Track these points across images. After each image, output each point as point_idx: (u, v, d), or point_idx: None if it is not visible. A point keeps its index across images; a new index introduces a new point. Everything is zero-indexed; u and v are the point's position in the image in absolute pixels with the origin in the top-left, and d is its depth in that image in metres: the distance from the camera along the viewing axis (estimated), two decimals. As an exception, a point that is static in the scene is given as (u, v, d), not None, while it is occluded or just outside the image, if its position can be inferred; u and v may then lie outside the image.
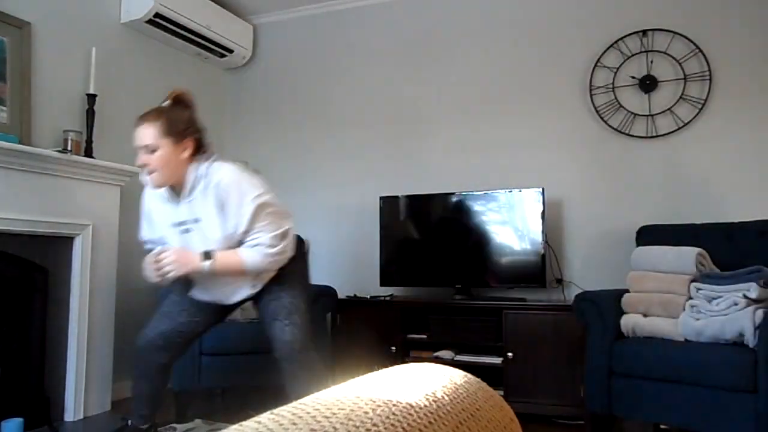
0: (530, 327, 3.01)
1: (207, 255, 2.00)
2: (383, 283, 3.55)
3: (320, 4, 4.14)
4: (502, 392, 2.96)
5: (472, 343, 3.16)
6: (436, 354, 3.19)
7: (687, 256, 2.53)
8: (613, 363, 2.45)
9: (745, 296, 2.26)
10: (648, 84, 3.32)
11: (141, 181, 2.10)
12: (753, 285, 2.26)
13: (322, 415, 0.46)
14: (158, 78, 3.79)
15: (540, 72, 3.57)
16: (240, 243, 2.04)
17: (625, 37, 3.38)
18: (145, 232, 2.24)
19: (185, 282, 2.20)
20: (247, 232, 2.01)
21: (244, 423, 0.45)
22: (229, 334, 2.84)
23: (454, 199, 3.48)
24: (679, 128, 3.25)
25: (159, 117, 2.01)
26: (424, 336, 3.26)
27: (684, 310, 2.41)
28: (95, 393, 3.03)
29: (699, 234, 2.78)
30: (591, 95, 3.43)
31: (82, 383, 2.97)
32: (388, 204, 3.61)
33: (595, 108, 3.41)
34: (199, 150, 2.07)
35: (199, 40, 3.85)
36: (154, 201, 2.17)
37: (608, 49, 3.41)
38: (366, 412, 0.47)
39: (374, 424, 0.45)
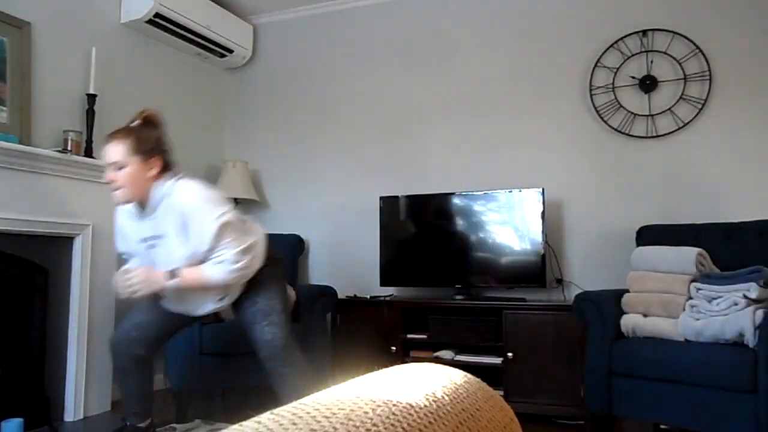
0: (530, 327, 3.01)
1: (173, 274, 2.06)
2: (383, 283, 3.55)
3: (320, 4, 4.14)
4: (502, 392, 2.96)
5: (472, 343, 3.16)
6: (436, 354, 3.19)
7: (687, 256, 2.53)
8: (613, 363, 2.45)
9: (745, 296, 2.26)
10: (648, 84, 3.32)
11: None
12: (753, 285, 2.26)
13: (322, 415, 0.46)
14: (158, 78, 3.79)
15: (540, 72, 3.57)
16: (204, 260, 2.08)
17: (625, 37, 3.39)
18: (120, 245, 2.33)
19: (154, 296, 2.26)
20: (210, 250, 2.06)
21: (244, 423, 0.45)
22: (228, 335, 2.84)
23: (454, 199, 3.48)
24: (679, 128, 3.25)
25: (128, 135, 2.07)
26: (424, 336, 3.26)
27: (684, 310, 2.41)
28: (95, 393, 3.03)
29: (699, 234, 2.78)
30: (591, 95, 3.43)
31: (82, 383, 2.97)
32: (388, 204, 3.61)
33: (595, 108, 3.41)
34: (166, 168, 2.12)
35: (199, 40, 3.85)
36: (123, 216, 2.24)
37: (608, 49, 3.41)
38: (366, 412, 0.47)
39: (374, 424, 0.45)
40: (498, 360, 3.04)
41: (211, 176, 4.10)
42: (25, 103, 2.90)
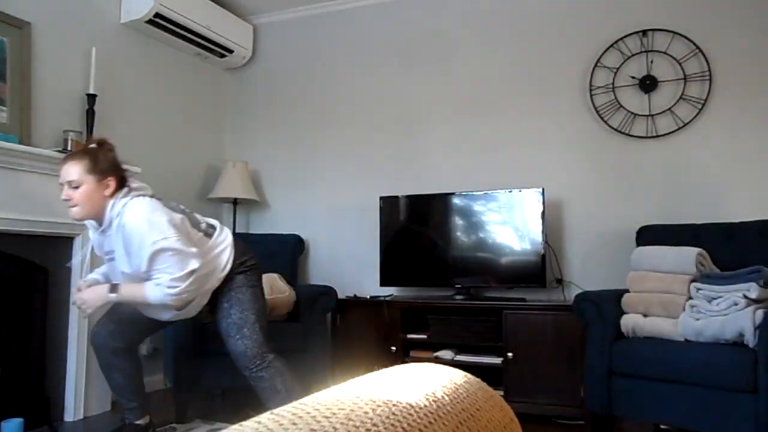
0: (530, 327, 3.01)
1: (113, 288, 2.18)
2: (383, 283, 3.55)
3: (320, 4, 4.14)
4: (502, 392, 2.96)
5: (472, 343, 3.16)
6: (436, 354, 3.19)
7: (687, 256, 2.53)
8: (613, 363, 2.45)
9: (745, 296, 2.26)
10: (648, 84, 3.32)
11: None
12: (753, 285, 2.26)
13: (322, 415, 0.46)
14: (158, 78, 3.79)
15: (540, 72, 3.57)
16: (148, 278, 2.13)
17: (625, 37, 3.39)
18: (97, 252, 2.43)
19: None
20: (148, 272, 2.10)
21: (244, 423, 0.45)
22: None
23: (454, 199, 3.48)
24: (679, 128, 3.25)
25: (84, 156, 2.15)
26: (424, 336, 3.26)
27: (684, 310, 2.41)
28: (95, 393, 3.03)
29: (699, 234, 2.78)
30: (591, 95, 3.43)
31: (82, 383, 2.97)
32: (388, 204, 3.61)
33: (595, 108, 3.41)
34: (122, 187, 2.19)
35: (199, 40, 3.85)
36: (91, 230, 2.34)
37: (608, 49, 3.41)
38: (366, 412, 0.47)
39: (374, 424, 0.45)
40: (498, 360, 3.04)
41: (211, 176, 4.10)
42: (25, 103, 2.90)
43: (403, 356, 3.25)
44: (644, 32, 3.35)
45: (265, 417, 0.46)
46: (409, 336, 3.29)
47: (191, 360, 2.83)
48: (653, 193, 3.29)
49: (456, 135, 3.73)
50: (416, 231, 3.59)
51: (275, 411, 0.47)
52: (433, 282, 3.52)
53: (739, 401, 2.10)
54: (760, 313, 2.19)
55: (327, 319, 3.24)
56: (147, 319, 2.34)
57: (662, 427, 2.68)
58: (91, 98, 3.14)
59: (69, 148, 2.96)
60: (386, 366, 0.73)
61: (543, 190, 3.26)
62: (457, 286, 3.40)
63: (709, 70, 3.21)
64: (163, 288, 2.07)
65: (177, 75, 3.95)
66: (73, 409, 2.93)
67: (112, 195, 2.15)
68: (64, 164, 2.15)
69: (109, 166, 2.17)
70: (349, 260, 3.91)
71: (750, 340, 2.18)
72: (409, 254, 3.55)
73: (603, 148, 3.41)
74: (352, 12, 4.09)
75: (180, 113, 3.96)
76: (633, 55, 3.37)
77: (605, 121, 3.39)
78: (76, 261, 2.98)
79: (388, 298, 3.42)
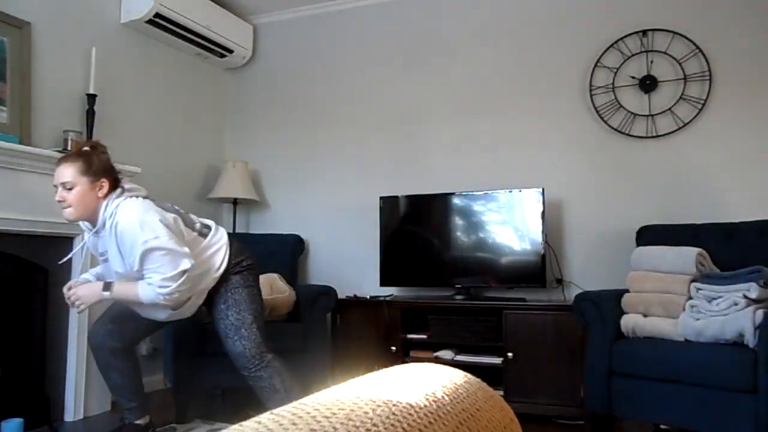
0: (530, 327, 3.01)
1: (107, 286, 2.19)
2: (383, 283, 3.55)
3: (320, 4, 4.14)
4: (502, 392, 2.96)
5: (472, 343, 3.16)
6: (436, 354, 3.19)
7: (687, 256, 2.53)
8: (613, 363, 2.45)
9: (745, 296, 2.26)
10: (648, 84, 3.32)
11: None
12: (753, 285, 2.26)
13: (322, 415, 0.46)
14: (158, 78, 3.79)
15: (540, 72, 3.57)
16: (141, 277, 2.15)
17: (625, 37, 3.39)
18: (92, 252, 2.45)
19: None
20: (140, 271, 2.12)
21: (244, 423, 0.45)
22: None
23: (454, 199, 3.48)
24: (679, 128, 3.25)
25: (78, 158, 2.18)
26: (424, 336, 3.26)
27: (684, 310, 2.41)
28: (95, 393, 3.03)
29: (699, 234, 2.78)
30: (591, 95, 3.43)
31: (82, 383, 2.97)
32: (388, 204, 3.61)
33: (595, 108, 3.41)
34: (115, 189, 2.21)
35: (199, 40, 3.85)
36: (86, 232, 2.35)
37: (608, 49, 3.41)
38: (366, 412, 0.47)
39: (374, 424, 0.45)
40: (498, 360, 3.04)
41: (211, 176, 4.10)
42: (25, 103, 2.90)
43: (403, 356, 3.25)
44: (644, 32, 3.35)
45: (265, 417, 0.46)
46: (409, 336, 3.29)
47: (191, 360, 2.83)
48: (653, 193, 3.29)
49: (456, 135, 3.73)
50: (416, 231, 3.58)
51: (275, 411, 0.47)
52: (433, 282, 3.52)
53: (739, 401, 2.10)
54: (760, 313, 2.19)
55: (327, 319, 3.24)
56: (145, 320, 2.35)
57: (662, 427, 2.68)
58: (91, 98, 3.14)
59: (69, 148, 2.95)
60: (386, 366, 0.73)
61: (543, 190, 3.26)
62: (457, 286, 3.40)
63: (709, 70, 3.21)
64: (154, 287, 2.08)
65: (177, 75, 3.95)
66: (73, 409, 2.93)
67: (106, 196, 2.17)
68: (58, 166, 2.18)
69: (102, 168, 2.19)
70: (349, 260, 3.91)
71: (750, 340, 2.18)
72: (409, 254, 3.55)
73: (603, 148, 3.41)
74: (352, 12, 4.09)
75: (180, 113, 3.96)
76: (633, 55, 3.37)
77: (605, 121, 3.39)
78: (75, 261, 2.98)
79: (388, 298, 3.42)
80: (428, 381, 0.60)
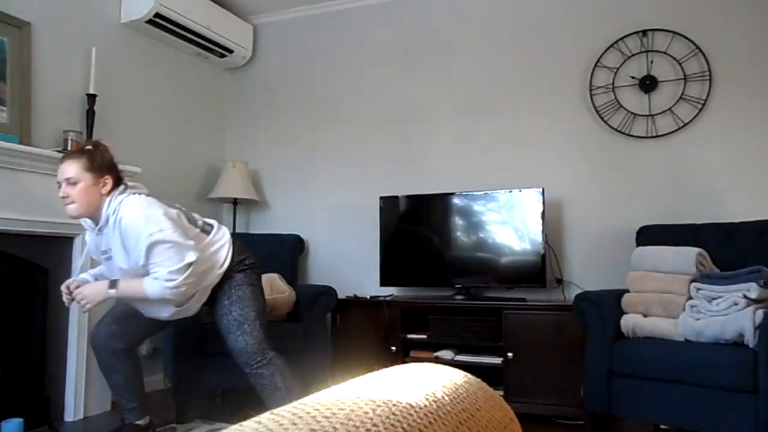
0: (530, 327, 3.01)
1: (113, 284, 2.19)
2: (383, 283, 3.55)
3: (320, 4, 4.14)
4: (502, 392, 2.96)
5: (472, 343, 3.16)
6: (436, 354, 3.19)
7: (687, 256, 2.53)
8: (613, 363, 2.45)
9: (745, 296, 2.26)
10: (648, 84, 3.32)
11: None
12: (753, 285, 2.26)
13: (322, 415, 0.46)
14: (158, 78, 3.79)
15: (540, 72, 3.57)
16: (146, 273, 2.15)
17: (625, 37, 3.39)
18: (92, 254, 2.43)
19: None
20: (145, 266, 2.12)
21: (244, 423, 0.45)
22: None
23: (454, 199, 3.48)
24: (679, 128, 3.25)
25: (82, 155, 2.19)
26: (424, 336, 3.26)
27: (684, 310, 2.41)
28: (95, 393, 3.03)
29: (699, 234, 2.78)
30: (591, 95, 3.43)
31: (82, 383, 2.97)
32: (388, 204, 3.61)
33: (595, 108, 3.41)
34: (118, 186, 2.23)
35: (199, 40, 3.85)
36: (88, 230, 2.34)
37: (608, 49, 3.41)
38: (366, 412, 0.47)
39: (374, 424, 0.45)
40: (498, 360, 3.04)
41: (211, 176, 4.10)
42: (25, 103, 2.90)
43: (403, 356, 3.25)
44: (644, 32, 3.35)
45: (265, 417, 0.46)
46: (409, 336, 3.29)
47: (191, 360, 2.83)
48: (653, 193, 3.29)
49: (456, 135, 3.73)
50: (416, 231, 3.58)
51: (275, 411, 0.47)
52: (433, 282, 3.52)
53: (739, 401, 2.10)
54: (760, 313, 2.19)
55: (327, 319, 3.24)
56: (148, 320, 2.35)
57: (662, 427, 2.68)
58: (91, 98, 3.14)
59: (69, 148, 2.96)
60: (386, 366, 0.73)
61: (543, 190, 3.26)
62: (457, 286, 3.40)
63: (709, 70, 3.21)
64: (161, 281, 2.08)
65: (177, 75, 3.95)
66: (73, 409, 2.93)
67: (109, 193, 2.18)
68: (61, 163, 2.19)
69: (105, 165, 2.20)
70: (349, 260, 3.91)
71: (750, 340, 2.18)
72: (409, 254, 3.55)
73: (603, 148, 3.41)
74: (352, 12, 4.09)
75: (180, 113, 3.97)
76: (633, 55, 3.37)
77: (605, 121, 3.39)
78: (75, 260, 2.98)
79: (388, 298, 3.42)
80: (428, 381, 0.60)
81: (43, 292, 2.89)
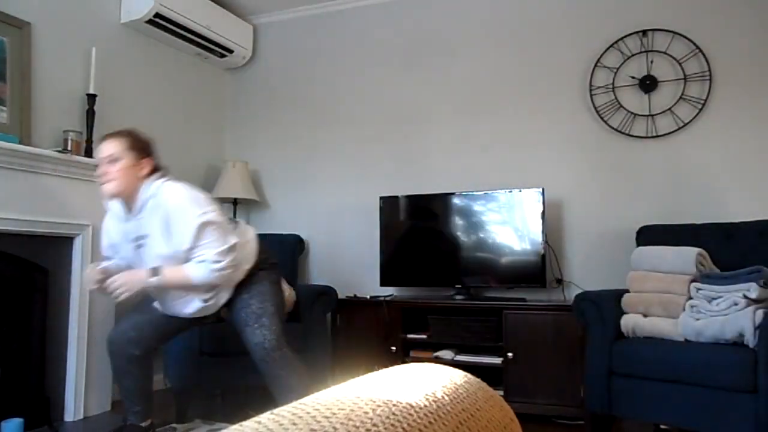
0: (530, 327, 3.01)
1: (155, 271, 2.12)
2: (383, 283, 3.55)
3: (320, 4, 4.14)
4: (502, 392, 2.96)
5: (472, 343, 3.16)
6: (436, 354, 3.19)
7: (687, 256, 2.53)
8: (613, 363, 2.45)
9: (745, 296, 2.26)
10: (648, 84, 3.32)
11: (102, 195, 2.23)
12: (753, 285, 2.26)
13: (322, 415, 0.46)
14: (158, 78, 3.79)
15: (540, 72, 3.57)
16: (187, 259, 2.12)
17: (625, 37, 3.39)
18: (105, 247, 2.39)
19: (147, 296, 2.34)
20: (191, 249, 2.10)
21: (244, 423, 0.45)
22: (228, 335, 2.83)
23: (454, 199, 3.48)
24: (679, 128, 3.25)
25: (124, 135, 2.19)
26: (424, 336, 3.26)
27: (684, 310, 2.41)
28: (95, 393, 3.03)
29: (699, 234, 2.78)
30: (591, 95, 3.43)
31: (82, 383, 2.97)
32: (388, 204, 3.61)
33: (595, 108, 3.41)
34: (155, 171, 2.22)
35: (199, 40, 3.85)
36: (112, 221, 2.31)
37: (608, 49, 3.41)
38: (366, 412, 0.47)
39: (374, 424, 0.45)
40: (498, 360, 3.04)
41: (211, 176, 4.10)
42: (25, 103, 2.90)
43: (403, 356, 3.25)
44: (644, 32, 3.35)
45: (265, 417, 0.46)
46: (409, 336, 3.29)
47: (191, 360, 2.83)
48: (653, 193, 3.29)
49: (456, 135, 3.73)
50: (416, 231, 3.59)
51: (275, 411, 0.47)
52: (433, 282, 3.52)
53: (739, 401, 2.10)
54: (760, 313, 2.19)
55: (327, 319, 3.24)
56: (164, 326, 2.34)
57: (662, 427, 2.68)
58: (91, 98, 3.14)
59: (69, 148, 2.96)
60: (386, 366, 0.73)
61: (543, 190, 3.26)
62: (457, 286, 3.40)
63: (709, 70, 3.21)
64: (208, 264, 2.08)
65: (177, 75, 3.95)
66: (73, 409, 2.93)
67: (146, 177, 2.17)
68: (103, 141, 2.17)
69: (146, 148, 2.21)
70: (349, 260, 3.91)
71: (750, 340, 2.18)
72: (409, 254, 3.55)
73: (603, 148, 3.41)
74: (352, 12, 4.09)
75: (180, 113, 3.96)
76: (633, 55, 3.37)
77: (605, 121, 3.39)
78: (74, 260, 2.98)
79: (388, 298, 3.42)
80: (428, 381, 0.60)
81: (43, 292, 2.89)
